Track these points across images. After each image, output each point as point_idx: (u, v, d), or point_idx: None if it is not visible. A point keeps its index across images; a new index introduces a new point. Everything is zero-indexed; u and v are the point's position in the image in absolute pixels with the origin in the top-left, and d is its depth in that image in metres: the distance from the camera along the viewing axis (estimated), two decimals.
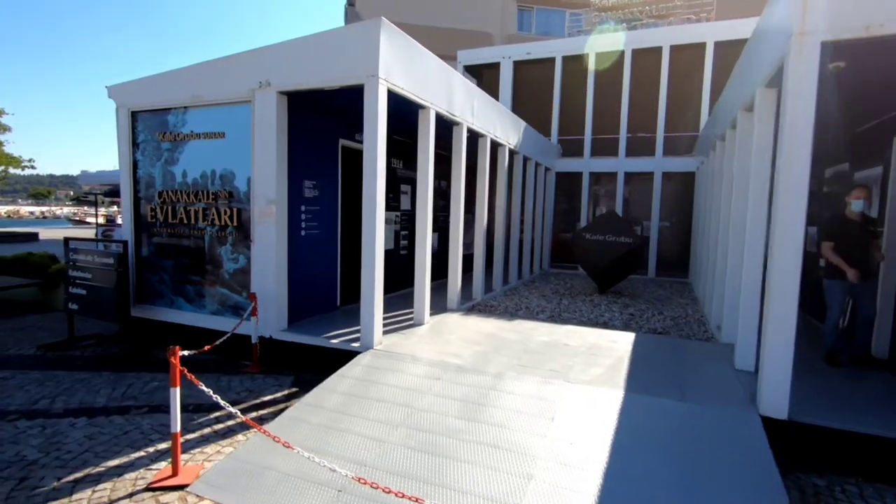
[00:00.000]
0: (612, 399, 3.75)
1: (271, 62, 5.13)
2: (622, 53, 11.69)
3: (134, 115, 6.16)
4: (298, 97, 5.33)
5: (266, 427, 3.41)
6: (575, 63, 12.16)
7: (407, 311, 6.54)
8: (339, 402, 3.82)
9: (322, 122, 6.12)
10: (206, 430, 3.81)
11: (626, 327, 6.32)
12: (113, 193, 14.90)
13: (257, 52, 5.21)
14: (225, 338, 4.58)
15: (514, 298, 8.08)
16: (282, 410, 4.17)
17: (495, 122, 7.77)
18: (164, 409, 4.17)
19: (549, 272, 12.11)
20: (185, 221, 5.88)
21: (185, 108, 5.79)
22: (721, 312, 6.23)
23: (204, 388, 2.95)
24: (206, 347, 4.06)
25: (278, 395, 4.56)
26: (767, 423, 3.38)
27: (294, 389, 4.69)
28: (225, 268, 5.68)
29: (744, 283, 4.50)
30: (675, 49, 11.23)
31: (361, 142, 7.03)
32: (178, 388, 3.05)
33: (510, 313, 6.92)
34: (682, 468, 2.93)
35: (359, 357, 4.60)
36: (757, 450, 3.08)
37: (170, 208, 5.98)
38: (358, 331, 5.41)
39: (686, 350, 5.23)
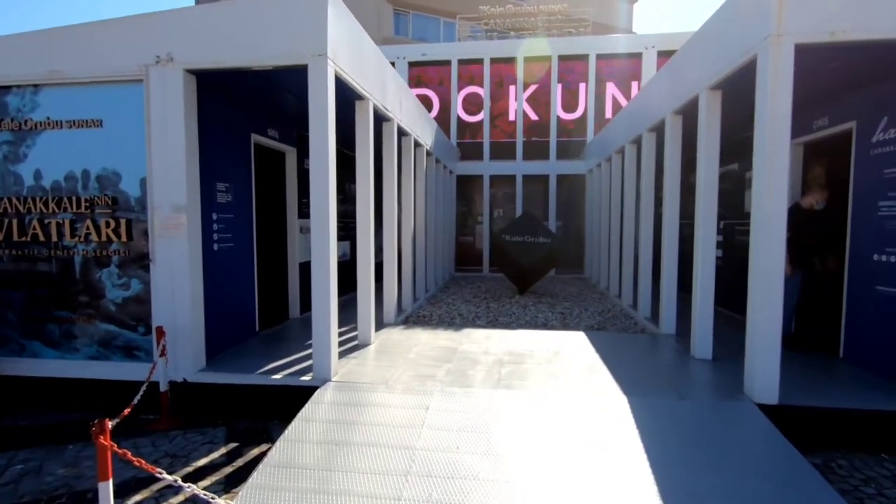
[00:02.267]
0: (619, 406, 3.57)
1: (176, 31, 4.04)
2: (514, 60, 12.05)
3: None
4: (207, 78, 4.29)
5: None
6: (471, 67, 12.22)
7: (341, 328, 5.75)
8: (319, 456, 3.04)
9: (232, 112, 5.07)
10: None
11: (565, 326, 6.34)
12: None
13: (154, 16, 4.05)
14: (144, 387, 3.41)
15: (440, 306, 7.69)
16: (231, 477, 3.23)
17: (417, 119, 7.32)
18: None
19: (456, 276, 11.96)
20: (42, 239, 4.38)
21: (37, 85, 4.32)
22: (648, 306, 6.60)
23: (168, 477, 2.01)
24: (126, 411, 2.91)
25: (214, 455, 3.54)
26: (762, 409, 3.48)
27: (233, 445, 3.70)
28: (109, 297, 4.34)
29: (698, 281, 4.69)
30: (562, 59, 11.91)
31: (276, 138, 6.08)
32: (109, 483, 2.07)
33: (447, 322, 6.53)
34: (721, 469, 2.82)
35: (318, 393, 3.79)
36: (773, 439, 3.12)
37: (15, 221, 4.41)
38: (296, 360, 4.56)
39: (637, 344, 5.36)
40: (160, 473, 1.97)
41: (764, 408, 3.50)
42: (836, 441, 3.56)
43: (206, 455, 3.53)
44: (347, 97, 4.72)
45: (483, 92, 12.15)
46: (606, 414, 3.48)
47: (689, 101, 4.89)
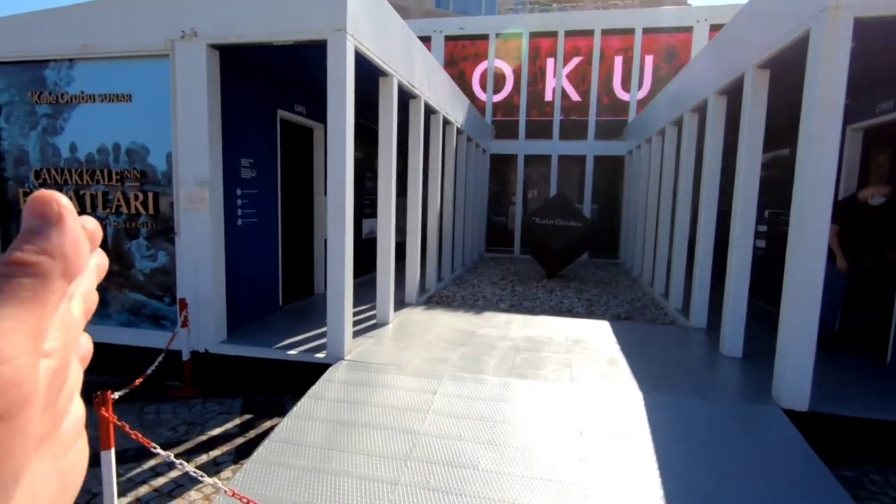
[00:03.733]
0: (633, 403, 3.43)
1: (199, 6, 4.04)
2: (555, 34, 11.55)
3: None
4: (232, 54, 4.29)
5: (234, 481, 2.60)
6: (509, 42, 11.81)
7: (362, 306, 5.80)
8: (323, 435, 3.08)
9: (258, 87, 5.07)
10: (143, 490, 2.86)
11: (590, 314, 6.16)
12: None
13: None
14: (161, 357, 3.54)
15: (465, 287, 7.63)
16: (241, 448, 3.32)
17: (447, 97, 7.14)
18: None
19: (486, 257, 11.84)
20: (78, 210, 4.57)
21: (72, 60, 4.44)
22: (679, 297, 6.31)
23: (162, 453, 2.07)
24: (137, 381, 3.03)
25: (228, 425, 3.66)
26: (789, 415, 3.26)
27: (247, 417, 3.81)
28: (138, 267, 4.51)
29: (732, 274, 4.41)
30: (605, 33, 11.32)
31: (303, 114, 6.07)
32: (111, 452, 2.14)
33: (469, 305, 6.46)
34: (735, 476, 2.66)
35: (330, 371, 3.83)
36: (797, 448, 2.92)
37: None
38: (315, 336, 4.61)
39: (665, 337, 5.15)
40: (154, 448, 2.02)
41: (792, 414, 3.28)
42: (871, 454, 3.31)
43: (221, 425, 3.65)
44: (370, 73, 4.62)
45: (521, 68, 11.74)
46: (620, 410, 3.35)
47: (735, 80, 4.52)
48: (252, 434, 3.53)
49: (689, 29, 10.91)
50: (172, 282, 4.41)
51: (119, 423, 2.06)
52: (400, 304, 6.03)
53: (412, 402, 3.43)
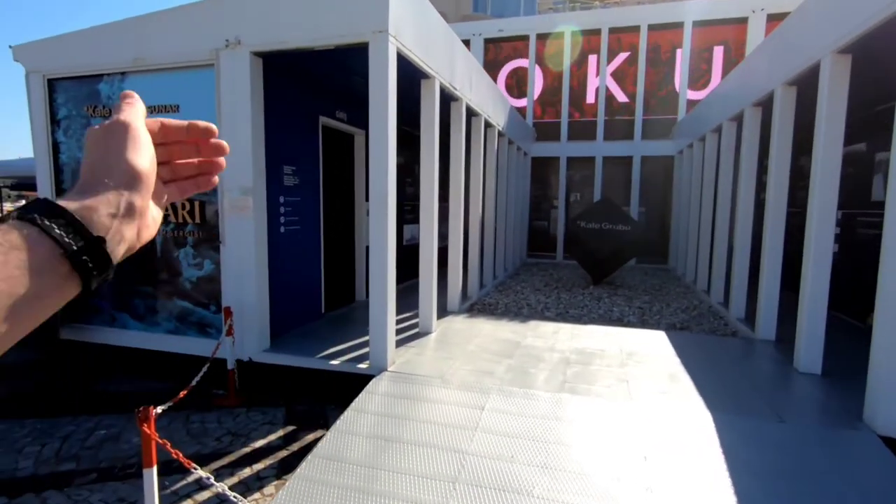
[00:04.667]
0: (701, 424, 3.13)
1: (242, 14, 4.04)
2: (599, 32, 11.18)
3: (51, 84, 4.81)
4: (274, 61, 4.27)
5: (277, 499, 2.50)
6: (550, 42, 11.52)
7: (404, 314, 5.69)
8: (367, 451, 2.94)
9: (300, 94, 5.06)
10: None
11: (643, 323, 5.81)
12: (21, 186, 12.73)
13: (224, 0, 4.08)
14: (206, 368, 3.52)
15: (508, 294, 7.40)
16: (285, 462, 3.24)
17: (489, 99, 6.97)
18: (120, 473, 3.10)
19: (528, 262, 11.55)
20: None
21: (124, 73, 4.55)
22: (742, 306, 5.86)
23: (202, 472, 1.98)
24: (182, 393, 2.98)
25: (272, 437, 3.59)
26: (887, 443, 2.87)
27: (290, 428, 3.74)
28: (185, 276, 4.55)
29: (808, 279, 4.00)
30: (652, 28, 10.85)
31: (344, 120, 6.05)
32: (153, 470, 2.07)
33: (513, 313, 6.24)
34: None
35: (373, 383, 3.71)
36: None
37: None
38: (358, 345, 4.52)
39: (728, 350, 4.76)
40: (195, 469, 1.93)
41: (890, 442, 2.89)
42: None
43: (265, 436, 3.59)
44: (412, 76, 4.51)
45: (564, 67, 11.42)
46: (687, 432, 3.06)
47: (808, 68, 4.12)
48: (295, 447, 3.44)
49: (744, 20, 10.30)
50: (218, 290, 4.42)
51: (161, 441, 1.98)
52: (442, 311, 5.88)
53: (459, 418, 3.25)
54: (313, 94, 5.28)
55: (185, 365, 4.50)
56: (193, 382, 3.11)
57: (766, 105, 5.21)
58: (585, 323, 5.73)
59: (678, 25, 10.66)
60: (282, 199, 4.77)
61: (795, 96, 4.65)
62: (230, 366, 4.16)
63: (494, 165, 7.70)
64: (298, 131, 5.06)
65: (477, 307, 6.49)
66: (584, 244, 8.14)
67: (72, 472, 3.14)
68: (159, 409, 2.20)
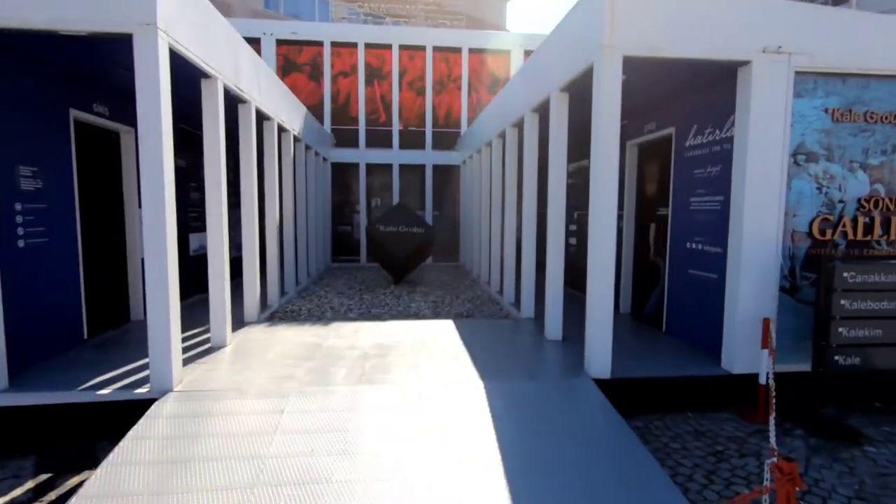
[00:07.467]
0: (477, 393, 3.73)
1: None
2: (390, 47, 11.90)
3: None
4: (6, 43, 3.53)
5: None
6: (344, 51, 11.80)
7: (193, 330, 5.24)
8: (150, 479, 2.71)
9: (43, 85, 4.25)
10: None
11: (436, 315, 6.49)
12: None
13: None
14: None
15: (312, 300, 7.41)
16: None
17: (281, 103, 6.87)
18: None
19: (332, 267, 11.62)
20: None
21: None
22: (512, 292, 7.02)
23: None
24: None
25: (16, 493, 2.99)
26: (598, 383, 3.89)
27: (45, 476, 3.16)
28: None
29: (550, 267, 5.06)
30: (436, 50, 12.04)
31: (105, 115, 5.25)
32: None
33: (316, 317, 6.30)
34: (563, 443, 3.09)
35: (156, 406, 3.39)
36: (605, 411, 3.50)
37: None
38: (135, 369, 4.06)
39: (500, 330, 5.68)
40: None
41: (599, 382, 3.92)
42: (658, 405, 4.13)
43: (6, 494, 2.97)
44: (191, 75, 4.23)
45: (358, 77, 11.83)
46: (464, 401, 3.61)
47: (543, 101, 5.22)
48: (53, 495, 2.94)
49: (507, 52, 12.22)
50: None
51: None
52: (239, 324, 5.60)
53: (257, 426, 3.22)
54: (60, 85, 4.48)
55: None
56: None
57: (521, 126, 6.37)
58: (386, 320, 6.13)
59: (457, 50, 12.06)
60: (19, 207, 3.94)
61: (538, 121, 5.82)
62: None
63: (291, 171, 7.59)
64: (39, 126, 4.24)
65: (278, 315, 6.34)
66: (383, 247, 8.62)
67: None
68: None
